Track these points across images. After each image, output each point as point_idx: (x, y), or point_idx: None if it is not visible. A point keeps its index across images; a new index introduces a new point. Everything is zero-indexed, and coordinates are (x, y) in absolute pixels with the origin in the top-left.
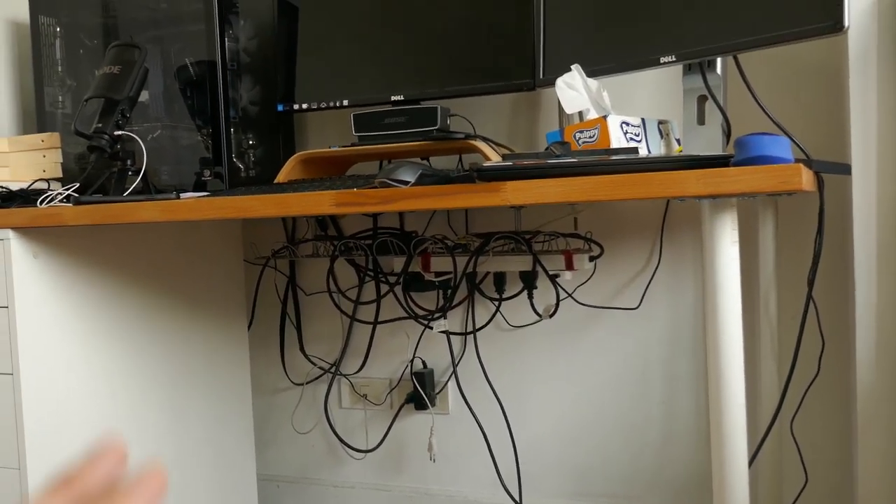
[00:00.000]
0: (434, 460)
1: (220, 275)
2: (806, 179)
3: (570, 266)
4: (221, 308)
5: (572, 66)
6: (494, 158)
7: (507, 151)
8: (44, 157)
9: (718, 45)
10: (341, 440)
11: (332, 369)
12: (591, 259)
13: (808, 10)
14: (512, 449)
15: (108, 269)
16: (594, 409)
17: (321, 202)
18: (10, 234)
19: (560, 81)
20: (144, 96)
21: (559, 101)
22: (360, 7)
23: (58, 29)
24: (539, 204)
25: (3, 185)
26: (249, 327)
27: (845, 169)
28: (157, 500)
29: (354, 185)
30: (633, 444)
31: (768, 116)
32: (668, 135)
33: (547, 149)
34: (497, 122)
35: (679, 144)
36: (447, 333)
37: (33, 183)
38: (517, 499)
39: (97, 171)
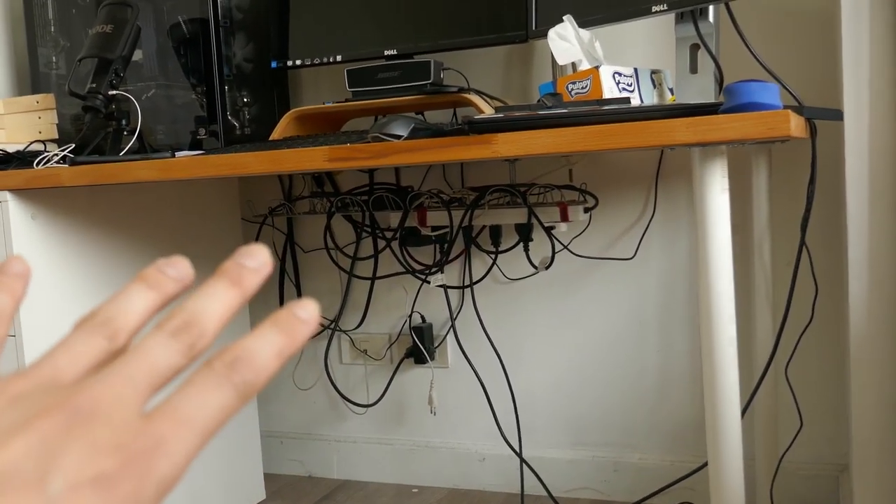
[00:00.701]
0: (434, 413)
1: (217, 233)
2: (795, 125)
3: (565, 218)
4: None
5: (564, 17)
6: (487, 111)
7: (500, 104)
8: (39, 118)
9: None
10: (342, 395)
11: (332, 325)
12: (586, 210)
13: None
14: (511, 400)
15: (106, 229)
16: (591, 360)
17: (315, 158)
18: (8, 195)
19: (552, 33)
20: (138, 55)
21: (552, 53)
22: None
23: None
24: (530, 155)
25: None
26: None
27: (837, 115)
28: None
29: (348, 141)
30: (631, 393)
31: (760, 64)
32: (660, 84)
33: (539, 100)
34: (491, 75)
35: (672, 94)
36: (445, 287)
37: (30, 144)
38: (517, 449)
39: (93, 131)
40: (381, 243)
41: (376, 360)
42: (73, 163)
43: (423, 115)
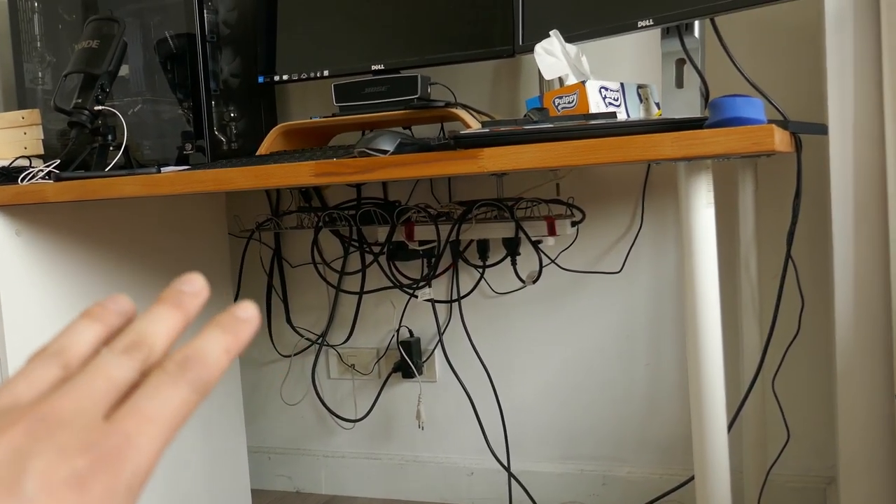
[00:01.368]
0: (423, 428)
1: (204, 248)
2: (780, 140)
3: (552, 232)
4: (207, 281)
5: (551, 32)
6: (474, 126)
7: (487, 119)
8: (24, 134)
9: (695, 8)
10: (330, 410)
11: (320, 340)
12: (574, 224)
13: None
14: (499, 414)
15: (92, 244)
16: (580, 374)
17: (301, 173)
18: None
19: (539, 47)
20: (125, 70)
21: (538, 68)
22: None
23: (36, 4)
24: (516, 170)
25: None
26: (235, 300)
27: (822, 129)
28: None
29: (335, 156)
30: (620, 407)
31: (745, 78)
32: (647, 99)
33: (525, 115)
34: (478, 89)
35: (658, 108)
36: (432, 302)
37: (14, 160)
38: (505, 464)
39: (78, 146)
40: (369, 258)
41: (364, 375)
42: (58, 178)
43: (410, 129)
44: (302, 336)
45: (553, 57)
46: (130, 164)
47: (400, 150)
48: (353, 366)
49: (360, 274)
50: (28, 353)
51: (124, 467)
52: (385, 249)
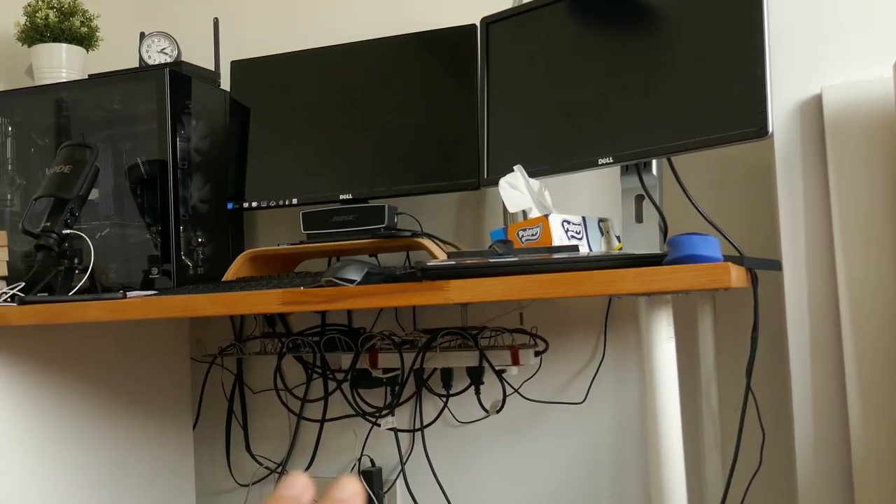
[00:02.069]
0: None
1: (166, 373)
2: (735, 277)
3: (516, 361)
4: (167, 407)
5: (515, 167)
6: (440, 256)
7: (453, 249)
8: None
9: (652, 149)
10: None
11: (279, 469)
12: (537, 354)
13: (734, 117)
14: None
15: (53, 367)
16: None
17: (268, 301)
18: None
19: (503, 181)
20: (94, 194)
21: (503, 201)
22: (310, 109)
23: (10, 128)
24: (482, 302)
25: None
26: (195, 426)
27: (776, 265)
28: None
29: (302, 284)
30: None
31: (702, 215)
32: (608, 232)
33: (490, 247)
34: (444, 219)
35: (619, 241)
36: (395, 431)
37: None
38: None
39: (44, 269)
40: (332, 385)
41: None
42: (21, 302)
43: (376, 257)
44: (261, 464)
45: (517, 191)
46: (95, 288)
47: (367, 279)
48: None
49: (322, 401)
50: None
51: None
52: (349, 376)
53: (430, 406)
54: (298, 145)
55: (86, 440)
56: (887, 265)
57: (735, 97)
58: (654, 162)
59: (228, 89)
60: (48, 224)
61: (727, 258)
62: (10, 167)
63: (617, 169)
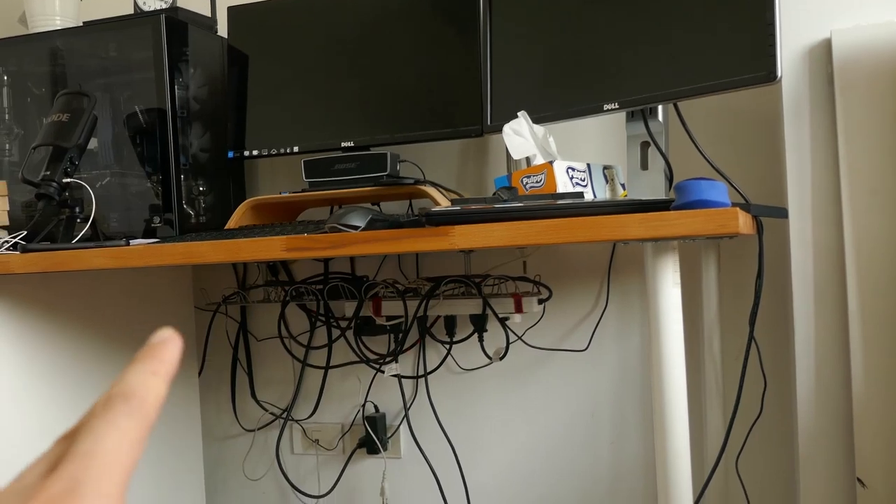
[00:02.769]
0: None
1: (170, 321)
2: (743, 223)
3: (519, 309)
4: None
5: (519, 113)
6: (443, 203)
7: (456, 196)
8: None
9: (658, 94)
10: (293, 486)
11: (284, 415)
12: (540, 302)
13: (743, 61)
14: (464, 492)
15: (57, 316)
16: (545, 451)
17: (272, 247)
18: None
19: (507, 128)
20: (93, 144)
21: (506, 147)
22: (310, 55)
23: (5, 77)
24: (486, 248)
25: None
26: (200, 373)
27: (782, 213)
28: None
29: (305, 231)
30: (585, 485)
31: (708, 162)
32: (612, 179)
33: (494, 194)
34: (447, 167)
35: (624, 189)
36: (398, 377)
37: None
38: None
39: (45, 219)
40: (336, 332)
41: (328, 451)
42: (24, 250)
43: (379, 206)
44: (266, 410)
45: (521, 137)
46: (97, 237)
47: (371, 226)
48: (317, 441)
49: (326, 348)
50: None
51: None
52: (352, 324)
53: (434, 353)
54: (298, 92)
55: (90, 388)
56: (894, 214)
57: (743, 41)
58: (660, 108)
59: (226, 36)
60: (48, 173)
61: (735, 204)
62: (6, 116)
63: (622, 116)
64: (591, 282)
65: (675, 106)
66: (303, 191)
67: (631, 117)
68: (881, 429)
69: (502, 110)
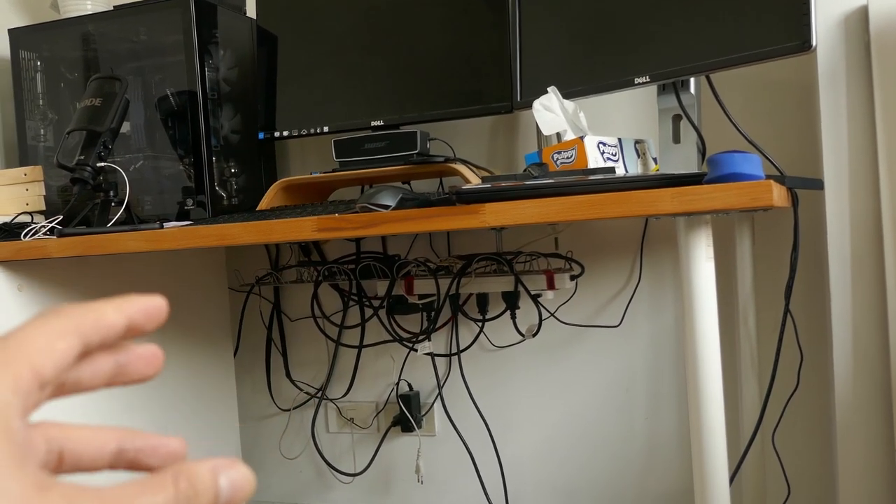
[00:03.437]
0: (422, 482)
1: (204, 303)
2: (777, 195)
3: (551, 286)
4: (207, 336)
5: (549, 89)
6: (474, 181)
7: (486, 174)
8: (27, 190)
9: (690, 66)
10: (329, 465)
11: (319, 394)
12: (573, 278)
13: (777, 31)
14: (499, 468)
15: (94, 299)
16: (579, 427)
17: (303, 228)
18: None
19: (537, 104)
20: (126, 127)
21: (537, 123)
22: (338, 35)
23: (38, 63)
24: (518, 225)
25: None
26: (235, 354)
27: (818, 184)
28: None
29: (336, 211)
30: (619, 461)
31: (741, 134)
32: (644, 154)
33: (525, 170)
34: (476, 144)
35: (656, 163)
36: (432, 355)
37: (16, 217)
38: None
39: (80, 203)
40: (369, 311)
41: (363, 429)
42: (60, 234)
43: (409, 184)
44: (301, 390)
45: (551, 113)
46: (132, 220)
47: (401, 205)
48: (352, 419)
49: (359, 328)
50: None
51: None
52: (385, 303)
53: (466, 331)
54: (328, 72)
55: None
56: None
57: (777, 9)
58: (692, 81)
59: (255, 17)
60: (82, 157)
61: (769, 177)
62: (41, 102)
63: (653, 89)
64: (623, 257)
65: (708, 78)
66: (333, 171)
67: (662, 90)
68: None
69: (532, 86)
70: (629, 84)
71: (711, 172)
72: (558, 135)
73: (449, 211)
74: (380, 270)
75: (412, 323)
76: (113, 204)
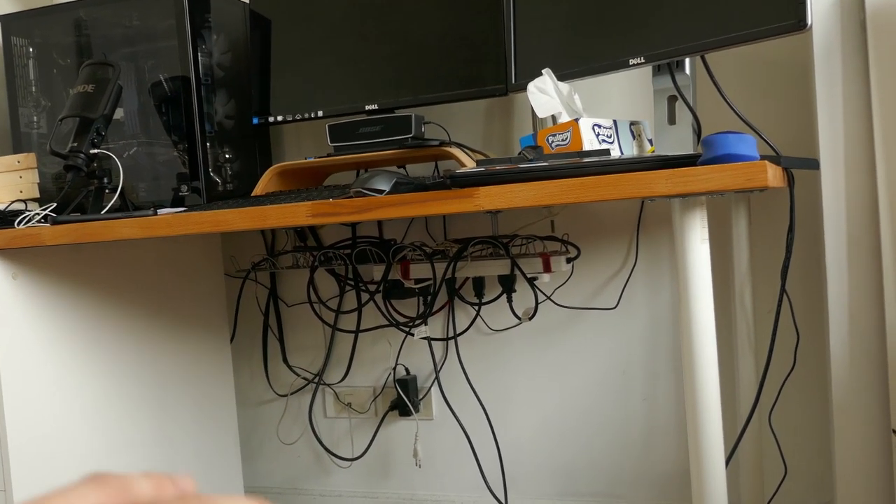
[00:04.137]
0: (420, 466)
1: (201, 289)
2: (773, 176)
3: (547, 268)
4: (203, 322)
5: (543, 71)
6: (469, 164)
7: (482, 157)
8: (20, 177)
9: (685, 46)
10: (327, 449)
11: (316, 379)
12: (569, 261)
13: (771, 9)
14: (496, 451)
15: (89, 287)
16: (577, 409)
17: (297, 213)
18: None
19: (532, 86)
20: (119, 114)
21: (532, 106)
22: (332, 19)
23: (30, 49)
24: (512, 208)
25: None
26: (232, 340)
27: (814, 164)
28: None
29: (330, 196)
30: (617, 442)
31: (737, 114)
32: (640, 135)
33: (520, 153)
34: (472, 127)
35: (651, 145)
36: (428, 340)
37: (10, 204)
38: (502, 501)
39: (74, 190)
40: (365, 296)
41: (361, 413)
42: (54, 222)
43: (405, 168)
44: (298, 375)
45: (546, 95)
46: (126, 207)
47: (396, 189)
48: (349, 404)
49: (356, 313)
50: (25, 399)
51: None
52: (381, 288)
53: (463, 315)
54: (322, 56)
55: (125, 357)
56: None
57: None
58: (686, 61)
59: (247, 1)
60: (75, 144)
61: (763, 157)
62: (33, 89)
63: (649, 70)
64: (619, 239)
65: (703, 58)
66: (328, 155)
67: (657, 71)
68: None
69: (527, 68)
70: (624, 65)
71: (706, 153)
72: (553, 117)
73: (443, 195)
74: (376, 255)
75: (409, 307)
76: (107, 191)
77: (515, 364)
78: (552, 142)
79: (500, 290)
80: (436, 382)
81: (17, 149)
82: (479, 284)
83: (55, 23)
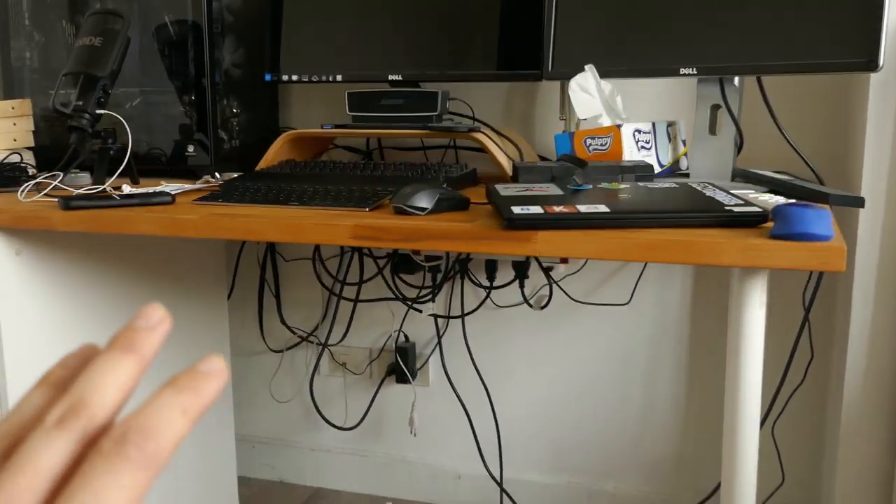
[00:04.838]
0: (415, 435)
1: (199, 244)
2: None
3: (564, 259)
4: (201, 277)
5: (586, 67)
6: (499, 156)
7: (510, 145)
8: (14, 125)
9: (742, 65)
10: (319, 411)
11: (310, 337)
12: None
13: (841, 44)
14: (493, 421)
15: (92, 260)
16: (574, 391)
17: (338, 234)
18: None
19: (574, 83)
20: None
21: (569, 98)
22: None
23: None
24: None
25: None
26: (229, 297)
27: (860, 202)
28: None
29: (363, 198)
30: (612, 422)
31: (784, 137)
32: (675, 137)
33: (558, 159)
34: (494, 105)
35: (685, 145)
36: (435, 317)
37: (8, 156)
38: (494, 472)
39: (78, 151)
40: (371, 272)
41: (355, 374)
42: (66, 207)
43: (422, 142)
44: (294, 333)
45: (587, 94)
46: (132, 170)
47: (438, 207)
48: (344, 364)
49: (357, 274)
50: (28, 378)
51: None
52: (390, 263)
53: (469, 291)
54: (346, 15)
55: (120, 309)
56: None
57: (846, 21)
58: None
59: None
60: (80, 103)
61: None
62: (26, 22)
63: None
64: None
65: (759, 79)
66: (344, 126)
67: (705, 79)
68: None
69: (564, 57)
70: (674, 73)
71: (780, 226)
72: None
73: (499, 235)
74: None
75: (414, 276)
76: (112, 152)
77: (518, 341)
78: (590, 145)
79: (512, 274)
80: (436, 351)
81: (7, 85)
82: (491, 267)
83: None
